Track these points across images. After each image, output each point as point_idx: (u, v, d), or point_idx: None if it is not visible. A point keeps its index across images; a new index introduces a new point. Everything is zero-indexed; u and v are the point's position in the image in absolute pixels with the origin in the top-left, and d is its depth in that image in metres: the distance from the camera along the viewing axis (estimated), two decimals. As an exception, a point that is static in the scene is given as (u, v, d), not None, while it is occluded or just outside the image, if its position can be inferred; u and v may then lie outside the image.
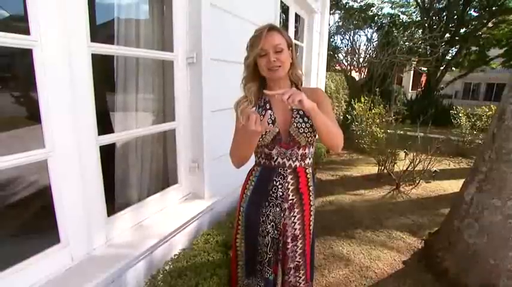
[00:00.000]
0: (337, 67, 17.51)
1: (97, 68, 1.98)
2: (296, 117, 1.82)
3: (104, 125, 2.41)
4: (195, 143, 2.92)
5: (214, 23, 2.83)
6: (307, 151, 1.90)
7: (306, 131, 1.81)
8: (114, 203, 2.50)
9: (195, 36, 2.72)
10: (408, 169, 5.78)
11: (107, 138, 2.12)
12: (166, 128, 2.74)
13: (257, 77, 1.87)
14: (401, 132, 6.69)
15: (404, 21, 19.11)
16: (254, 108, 1.85)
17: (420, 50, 16.45)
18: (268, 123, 1.80)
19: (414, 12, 20.04)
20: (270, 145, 1.86)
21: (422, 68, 18.51)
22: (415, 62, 16.72)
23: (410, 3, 19.84)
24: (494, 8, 15.93)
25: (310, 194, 2.00)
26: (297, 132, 1.81)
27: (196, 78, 2.78)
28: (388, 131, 6.57)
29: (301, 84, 1.97)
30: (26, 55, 1.61)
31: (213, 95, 2.89)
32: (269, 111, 1.81)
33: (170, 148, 2.92)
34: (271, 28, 1.73)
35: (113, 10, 2.41)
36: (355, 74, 16.50)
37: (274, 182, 1.91)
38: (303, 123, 1.81)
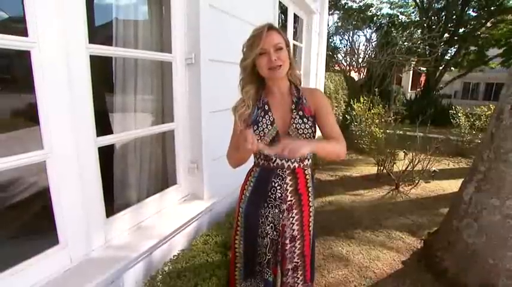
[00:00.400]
0: (336, 67, 17.52)
1: (95, 69, 1.98)
2: (295, 118, 1.81)
3: (103, 126, 2.41)
4: (194, 143, 2.93)
5: (213, 23, 2.83)
6: (306, 152, 1.89)
7: (305, 132, 1.80)
8: (113, 204, 2.50)
9: (194, 37, 2.72)
10: (407, 169, 5.76)
11: (106, 140, 2.12)
12: (165, 129, 2.75)
13: (255, 78, 1.85)
14: (401, 132, 6.67)
15: (403, 21, 19.11)
16: (251, 129, 1.82)
17: (419, 50, 16.47)
18: (267, 125, 1.82)
19: (413, 13, 20.08)
20: (269, 145, 1.84)
21: (422, 68, 18.51)
22: (414, 62, 16.75)
23: (409, 4, 19.89)
24: (492, 8, 15.94)
25: (309, 195, 1.99)
26: (296, 133, 1.80)
27: (195, 79, 2.78)
28: (388, 131, 6.56)
29: (300, 84, 1.96)
30: (24, 56, 1.61)
31: (212, 96, 2.89)
32: (269, 149, 1.69)
33: (169, 149, 2.92)
34: (270, 27, 1.72)
35: (111, 11, 2.42)
36: (354, 74, 16.53)
37: (273, 183, 1.90)
38: (302, 125, 1.80)
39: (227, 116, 2.06)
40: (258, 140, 1.81)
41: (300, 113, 1.82)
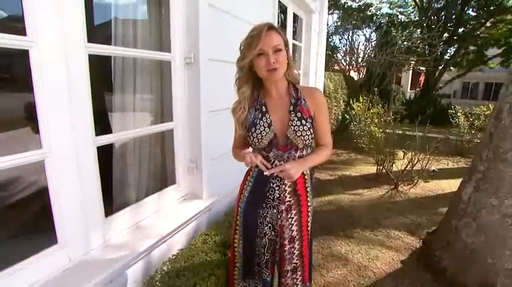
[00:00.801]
0: (336, 67, 17.56)
1: (94, 68, 1.98)
2: (293, 120, 1.80)
3: (102, 125, 2.40)
4: (193, 143, 2.92)
5: (212, 23, 2.83)
6: (304, 153, 1.89)
7: (303, 134, 1.79)
8: (112, 204, 2.49)
9: (193, 37, 2.71)
10: (407, 169, 5.78)
11: (105, 139, 2.12)
12: (164, 129, 2.74)
13: (251, 78, 1.84)
14: (400, 131, 6.67)
15: (402, 21, 19.06)
16: (250, 149, 1.90)
17: (419, 49, 16.53)
18: (264, 128, 1.82)
19: (412, 12, 20.02)
20: (267, 147, 1.85)
21: (421, 68, 18.51)
22: (413, 62, 16.76)
23: (409, 3, 19.84)
24: (492, 8, 15.92)
25: (308, 195, 2.00)
26: (294, 135, 1.79)
27: (194, 78, 2.77)
28: (387, 130, 6.55)
29: (298, 83, 1.94)
30: (23, 56, 1.60)
31: (211, 95, 2.89)
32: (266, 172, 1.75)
33: (168, 148, 2.91)
34: (269, 27, 1.69)
35: (110, 11, 2.41)
36: (353, 74, 16.56)
37: (271, 184, 1.91)
38: (301, 126, 1.79)
39: (226, 115, 2.06)
40: (256, 143, 1.84)
41: (299, 114, 1.80)
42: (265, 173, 1.71)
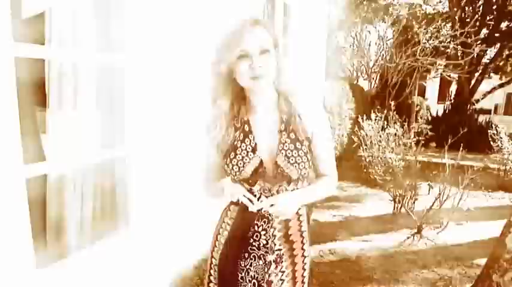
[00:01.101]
0: (340, 73, 17.59)
1: (23, 76, 1.97)
2: (285, 142, 1.77)
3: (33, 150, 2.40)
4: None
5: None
6: (299, 186, 1.85)
7: (298, 161, 1.76)
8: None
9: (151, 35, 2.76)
10: (433, 207, 5.80)
11: (37, 169, 2.12)
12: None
13: (230, 88, 1.79)
14: (425, 159, 6.72)
15: (427, 12, 19.11)
16: (228, 179, 1.87)
17: (448, 50, 16.63)
18: (247, 153, 1.79)
19: (440, 2, 20.14)
20: (250, 179, 1.81)
21: (452, 75, 18.64)
22: (442, 67, 16.88)
23: (436, -10, 20.01)
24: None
25: (304, 242, 1.97)
26: (287, 163, 1.75)
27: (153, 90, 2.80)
28: (407, 157, 6.61)
29: (291, 95, 1.85)
30: None
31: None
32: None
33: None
34: (254, 22, 1.67)
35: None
36: (363, 83, 16.59)
37: (256, 227, 1.84)
38: (295, 151, 1.76)
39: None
40: (236, 172, 1.80)
41: (292, 135, 1.78)
42: (250, 209, 1.66)
